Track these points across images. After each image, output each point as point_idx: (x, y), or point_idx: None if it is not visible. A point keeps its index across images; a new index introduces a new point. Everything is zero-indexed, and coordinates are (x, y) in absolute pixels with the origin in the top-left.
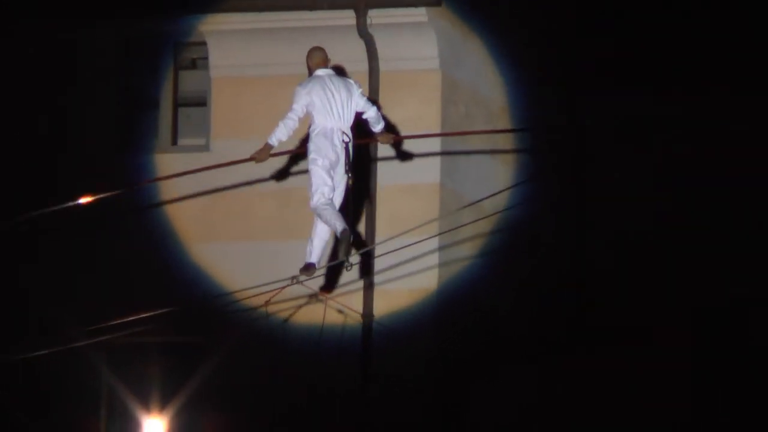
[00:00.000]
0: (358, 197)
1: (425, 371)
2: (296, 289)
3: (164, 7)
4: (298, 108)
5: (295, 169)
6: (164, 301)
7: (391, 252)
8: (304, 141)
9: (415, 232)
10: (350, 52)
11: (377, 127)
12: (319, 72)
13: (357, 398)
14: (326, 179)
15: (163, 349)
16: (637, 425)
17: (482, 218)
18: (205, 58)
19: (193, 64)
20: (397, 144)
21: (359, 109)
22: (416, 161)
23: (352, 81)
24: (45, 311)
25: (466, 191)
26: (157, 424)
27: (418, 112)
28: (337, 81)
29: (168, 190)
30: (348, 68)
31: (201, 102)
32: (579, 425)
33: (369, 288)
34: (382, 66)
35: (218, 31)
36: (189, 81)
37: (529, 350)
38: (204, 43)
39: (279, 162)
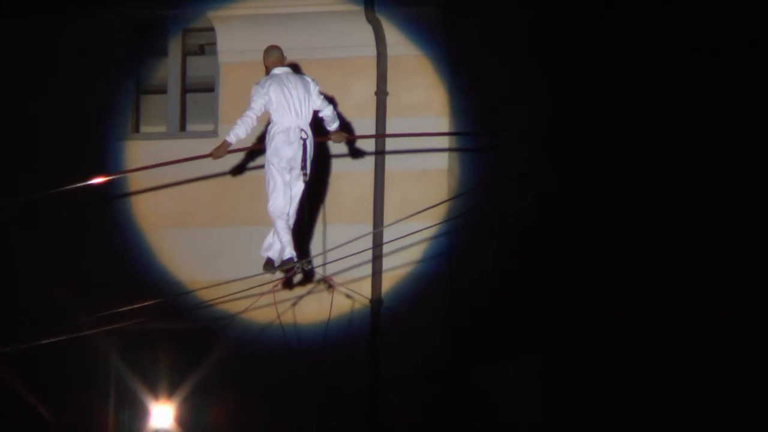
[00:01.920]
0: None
1: (434, 355)
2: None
3: None
4: (256, 106)
5: None
6: (171, 288)
7: (401, 237)
8: (262, 138)
9: (424, 217)
10: (358, 37)
11: (332, 125)
12: (276, 70)
13: (365, 383)
14: (279, 184)
15: (171, 336)
16: (644, 412)
17: (485, 209)
18: (213, 44)
19: (201, 50)
20: (350, 143)
21: (316, 108)
22: (426, 145)
23: (309, 79)
24: (52, 299)
25: (475, 176)
26: (165, 411)
27: (426, 97)
28: (295, 79)
29: (173, 174)
30: (355, 53)
31: (209, 88)
32: (588, 409)
33: (377, 273)
34: (390, 51)
35: (226, 16)
36: (197, 67)
37: (538, 335)
38: (212, 29)
39: None
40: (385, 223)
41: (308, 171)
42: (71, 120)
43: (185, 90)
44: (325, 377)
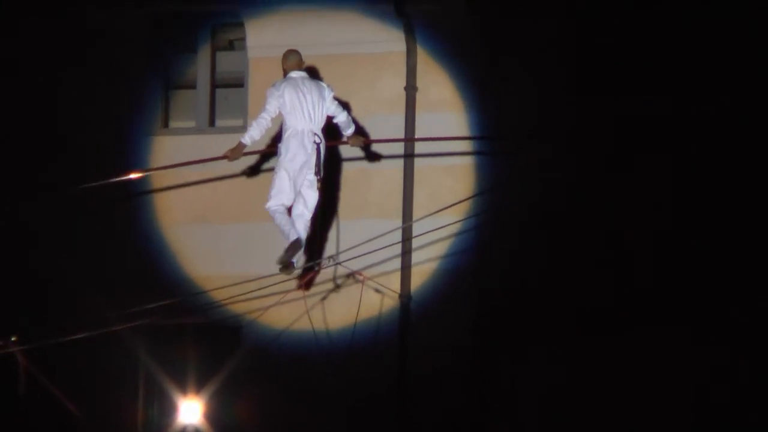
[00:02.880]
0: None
1: (461, 350)
2: (333, 270)
3: None
4: (271, 108)
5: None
6: (199, 285)
7: (428, 232)
8: (276, 140)
9: (452, 212)
10: (387, 33)
11: (347, 131)
12: (293, 74)
13: (394, 378)
14: (285, 182)
15: (199, 333)
16: (672, 413)
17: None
18: (243, 39)
19: (230, 45)
20: (366, 146)
21: (330, 113)
22: (454, 142)
23: (324, 85)
24: (80, 295)
25: (502, 172)
26: (193, 407)
27: (455, 93)
28: (310, 83)
29: (199, 170)
30: (384, 49)
31: (238, 83)
32: (615, 409)
33: (406, 268)
34: (419, 47)
35: (256, 12)
36: (226, 62)
37: (565, 332)
38: (241, 24)
39: None
40: (414, 218)
41: (321, 175)
42: (100, 115)
43: (214, 85)
44: (353, 372)
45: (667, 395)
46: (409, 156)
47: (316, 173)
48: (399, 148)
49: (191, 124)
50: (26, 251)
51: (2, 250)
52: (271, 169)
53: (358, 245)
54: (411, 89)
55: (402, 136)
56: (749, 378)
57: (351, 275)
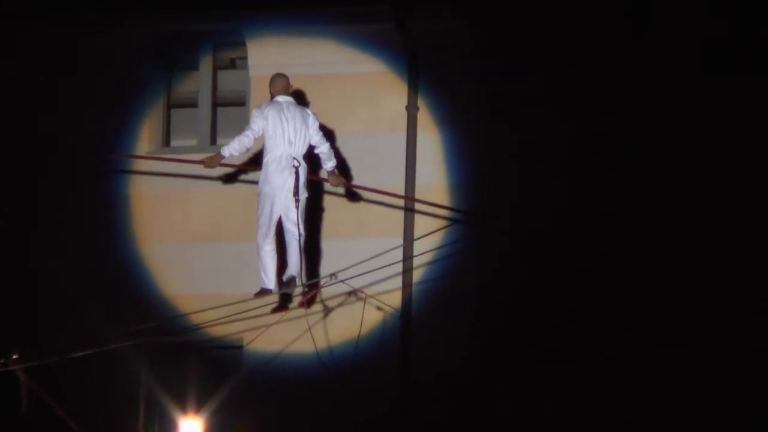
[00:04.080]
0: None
1: (462, 367)
2: (334, 287)
3: (203, 8)
4: (255, 127)
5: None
6: (199, 303)
7: (430, 251)
8: (254, 160)
9: (453, 231)
10: (389, 52)
11: (328, 164)
12: (279, 98)
13: (396, 395)
14: (265, 216)
15: (199, 350)
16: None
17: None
18: (244, 58)
19: (232, 64)
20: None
21: (313, 143)
22: (457, 159)
23: (309, 112)
24: (84, 313)
25: (504, 190)
26: (193, 425)
27: (457, 113)
28: (294, 109)
29: (201, 187)
30: (386, 68)
31: (240, 101)
32: (616, 422)
33: (407, 286)
34: (420, 66)
35: (257, 30)
36: (228, 80)
37: (566, 348)
38: (243, 43)
39: None
40: (415, 236)
41: (300, 197)
42: (100, 133)
43: (216, 104)
44: (354, 390)
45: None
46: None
47: (295, 194)
48: (400, 170)
49: (193, 142)
50: (23, 266)
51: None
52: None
53: (359, 263)
54: (412, 108)
55: (403, 154)
56: None
57: (353, 293)
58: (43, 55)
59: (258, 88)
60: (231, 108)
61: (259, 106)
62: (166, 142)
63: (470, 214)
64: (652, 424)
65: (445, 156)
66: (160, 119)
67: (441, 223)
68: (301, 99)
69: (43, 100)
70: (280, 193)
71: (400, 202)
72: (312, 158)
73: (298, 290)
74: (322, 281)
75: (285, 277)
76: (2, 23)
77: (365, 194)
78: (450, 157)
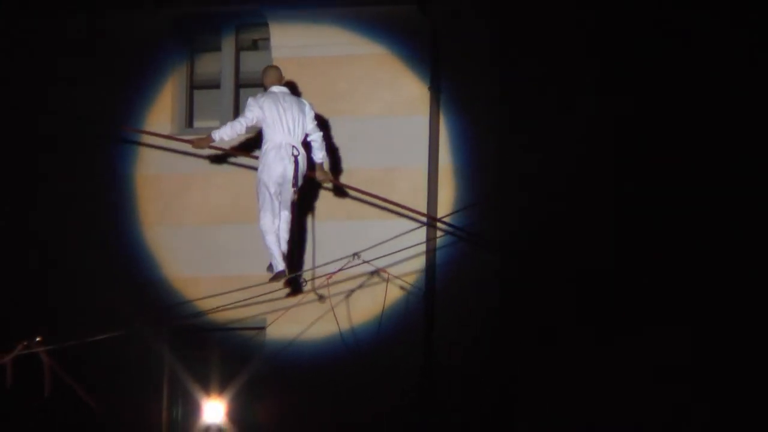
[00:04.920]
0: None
1: (487, 349)
2: (357, 267)
3: None
4: (250, 116)
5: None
6: (220, 285)
7: (453, 230)
8: (246, 145)
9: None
10: (411, 33)
11: (318, 154)
12: (273, 89)
13: (419, 376)
14: (267, 202)
15: (222, 332)
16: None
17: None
18: (267, 39)
19: (254, 45)
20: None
21: (307, 131)
22: (476, 140)
23: (305, 101)
24: (106, 296)
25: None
26: (217, 407)
27: (478, 93)
28: (290, 99)
29: (221, 169)
30: (408, 49)
31: (262, 83)
32: (641, 407)
33: (431, 266)
34: (442, 46)
35: (280, 11)
36: (250, 62)
37: (591, 327)
38: (266, 24)
39: None
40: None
41: (299, 186)
42: (122, 114)
43: (238, 85)
44: (377, 370)
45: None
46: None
47: (294, 184)
48: (423, 150)
49: (215, 123)
50: (45, 249)
51: (20, 252)
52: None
53: (382, 243)
54: (435, 90)
55: (424, 135)
56: None
57: (376, 273)
58: (63, 37)
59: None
60: (254, 89)
61: (253, 97)
62: (190, 123)
63: (487, 196)
64: (676, 412)
65: (465, 137)
66: (183, 100)
67: (463, 203)
68: (293, 89)
69: (64, 83)
70: (281, 182)
71: (423, 184)
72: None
73: (308, 275)
74: (346, 261)
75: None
76: (22, 6)
77: (391, 176)
78: (470, 139)
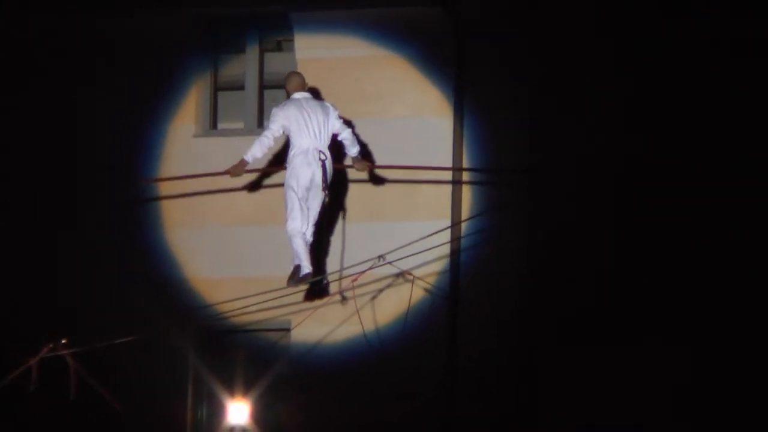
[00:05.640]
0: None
1: (511, 350)
2: (382, 269)
3: None
4: (274, 128)
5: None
6: (246, 286)
7: (477, 232)
8: (278, 160)
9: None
10: (436, 36)
11: (352, 150)
12: (296, 95)
13: (443, 377)
14: (296, 206)
15: (248, 334)
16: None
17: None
18: (291, 41)
19: (278, 47)
20: (370, 170)
21: (335, 131)
22: (501, 142)
23: (328, 104)
24: (131, 297)
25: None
26: (241, 408)
27: (505, 96)
28: (314, 103)
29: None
30: (433, 50)
31: (285, 89)
32: (667, 405)
33: (455, 267)
34: (468, 48)
35: (304, 13)
36: (275, 63)
37: (617, 329)
38: (290, 26)
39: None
40: (463, 218)
41: (327, 191)
42: (147, 116)
43: (263, 86)
44: (401, 372)
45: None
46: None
47: (324, 189)
48: (447, 152)
49: (239, 125)
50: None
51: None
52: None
53: (407, 245)
54: (460, 90)
55: (450, 136)
56: None
57: (400, 275)
58: (87, 39)
59: (305, 71)
60: (278, 90)
61: (277, 106)
62: (214, 124)
63: (517, 171)
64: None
65: (490, 139)
66: (207, 102)
67: (488, 205)
68: (317, 91)
69: (87, 85)
70: (309, 187)
71: (448, 186)
72: (335, 149)
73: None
74: (371, 263)
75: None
76: (44, 8)
77: (412, 176)
78: (495, 140)
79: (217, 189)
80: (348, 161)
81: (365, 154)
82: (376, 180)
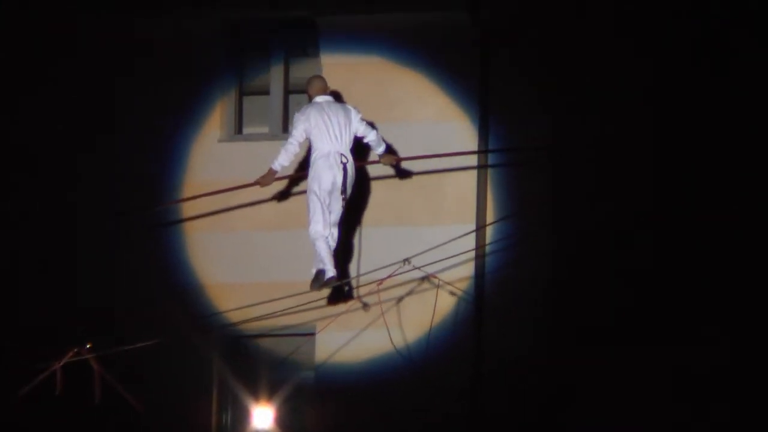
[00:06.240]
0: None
1: (536, 354)
2: (408, 273)
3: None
4: (297, 134)
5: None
6: (274, 291)
7: (501, 239)
8: (304, 165)
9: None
10: (462, 40)
11: (379, 149)
12: (318, 99)
13: (468, 382)
14: (318, 209)
15: (272, 338)
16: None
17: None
18: (316, 45)
19: (303, 52)
20: (397, 164)
21: (359, 134)
22: (525, 146)
23: (350, 107)
24: (155, 301)
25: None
26: (266, 413)
27: (531, 97)
28: (335, 107)
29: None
30: (459, 55)
31: (307, 93)
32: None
33: (480, 272)
34: (493, 54)
35: (329, 18)
36: (300, 68)
37: (644, 334)
38: (315, 31)
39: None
40: (488, 222)
41: (348, 195)
42: (172, 121)
43: (288, 91)
44: (427, 377)
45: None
46: (483, 167)
47: (342, 192)
48: (473, 156)
49: (264, 130)
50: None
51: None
52: (303, 192)
53: (432, 248)
54: (485, 96)
55: (476, 142)
56: None
57: (426, 279)
58: (112, 42)
59: (329, 76)
60: (303, 95)
61: (299, 110)
62: (239, 129)
63: (540, 149)
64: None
65: (514, 143)
66: (232, 107)
67: (515, 208)
68: (341, 96)
69: (111, 90)
70: (331, 191)
71: (473, 190)
72: (358, 148)
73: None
74: (396, 267)
75: (327, 277)
76: (70, 13)
77: (439, 181)
78: (519, 144)
79: (241, 194)
80: (374, 157)
81: (391, 152)
82: (403, 174)
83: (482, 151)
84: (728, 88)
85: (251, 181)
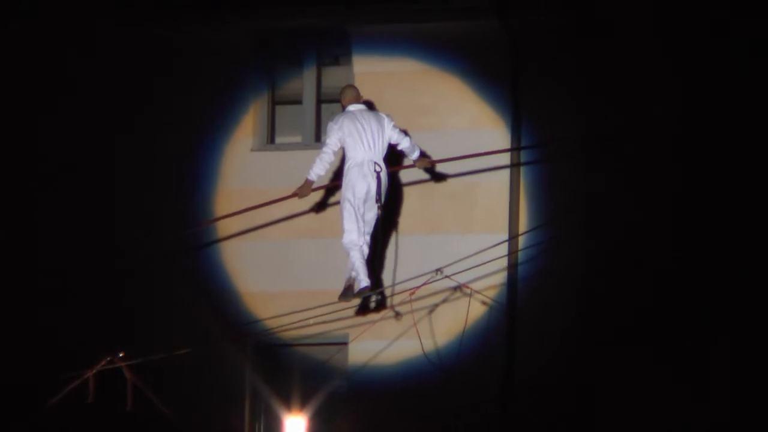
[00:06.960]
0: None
1: (569, 365)
2: (440, 283)
3: (307, 3)
4: (331, 143)
5: (439, 165)
6: (307, 299)
7: (534, 245)
8: (338, 175)
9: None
10: (492, 49)
11: (413, 155)
12: (351, 108)
13: (500, 391)
14: (352, 218)
15: (305, 348)
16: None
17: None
18: (349, 55)
19: (336, 61)
20: (432, 167)
21: (393, 142)
22: (558, 154)
23: (383, 115)
24: (190, 310)
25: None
26: (298, 423)
27: (561, 106)
28: (368, 115)
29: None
30: (491, 62)
31: (340, 102)
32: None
33: (512, 281)
34: (524, 60)
35: (362, 27)
36: (332, 77)
37: (675, 341)
38: (347, 40)
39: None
40: (520, 232)
41: (382, 203)
42: (205, 131)
43: (320, 100)
44: (459, 386)
45: None
46: (515, 165)
47: (377, 200)
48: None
49: (297, 139)
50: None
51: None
52: (338, 202)
53: (465, 258)
54: (516, 102)
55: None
56: None
57: (458, 288)
58: (146, 52)
59: (361, 85)
60: (335, 105)
61: (332, 119)
62: (271, 138)
63: (572, 139)
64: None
65: (547, 151)
66: (265, 116)
67: (546, 218)
68: (374, 105)
69: (144, 99)
70: (365, 199)
71: (505, 199)
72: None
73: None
74: (428, 277)
75: (358, 288)
76: (102, 22)
77: (471, 190)
78: (552, 152)
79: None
80: (408, 161)
81: (425, 157)
82: (438, 177)
83: (515, 149)
84: (759, 91)
85: (284, 190)
